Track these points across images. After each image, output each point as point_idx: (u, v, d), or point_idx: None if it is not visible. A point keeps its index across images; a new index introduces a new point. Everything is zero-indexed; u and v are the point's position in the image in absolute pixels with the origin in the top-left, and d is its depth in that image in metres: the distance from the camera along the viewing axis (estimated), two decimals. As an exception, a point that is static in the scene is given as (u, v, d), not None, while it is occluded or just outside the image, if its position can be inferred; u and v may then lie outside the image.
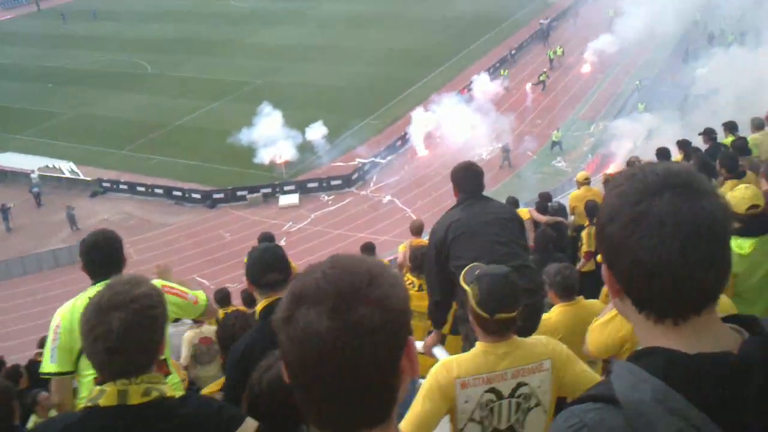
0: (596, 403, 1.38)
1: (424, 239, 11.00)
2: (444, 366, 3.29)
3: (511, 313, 3.19)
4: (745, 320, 1.42)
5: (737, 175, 8.17)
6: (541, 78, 43.54)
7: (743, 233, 4.97)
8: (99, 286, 3.85)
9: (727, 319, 1.43)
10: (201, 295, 4.50)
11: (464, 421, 3.26)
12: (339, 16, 61.29)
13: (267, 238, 10.52)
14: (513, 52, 48.87)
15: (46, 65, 55.27)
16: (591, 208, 11.28)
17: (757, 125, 12.56)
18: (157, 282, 4.12)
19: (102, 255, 4.25)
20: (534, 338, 3.47)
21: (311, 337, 1.21)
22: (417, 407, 3.22)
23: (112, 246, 4.31)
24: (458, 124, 36.76)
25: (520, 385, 3.23)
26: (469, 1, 59.01)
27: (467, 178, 5.17)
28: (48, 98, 48.61)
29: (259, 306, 3.81)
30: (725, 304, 3.72)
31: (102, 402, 2.31)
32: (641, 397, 1.29)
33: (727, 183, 7.96)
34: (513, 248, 4.83)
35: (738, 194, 5.08)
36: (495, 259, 4.57)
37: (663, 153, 12.30)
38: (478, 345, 3.30)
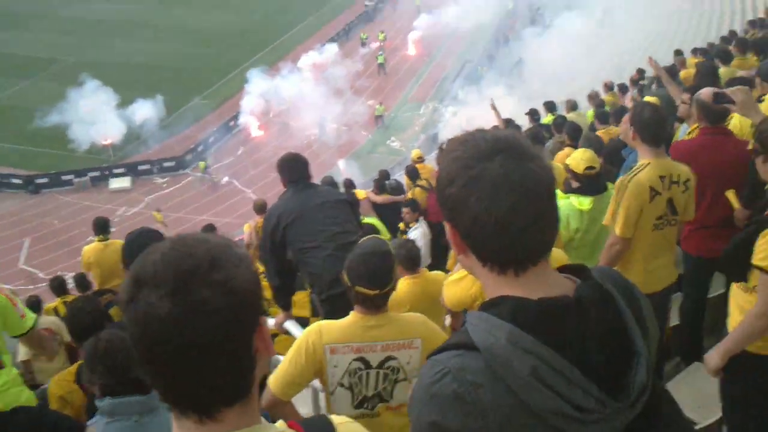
0: (458, 350, 1.46)
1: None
2: (316, 330, 3.35)
3: (370, 290, 3.25)
4: (575, 269, 1.58)
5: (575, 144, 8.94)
6: (379, 60, 43.96)
7: (583, 192, 5.42)
8: None
9: (560, 269, 1.58)
10: (31, 315, 4.10)
11: (334, 386, 3.35)
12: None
13: (101, 222, 10.06)
14: (346, 28, 49.38)
15: None
16: (410, 171, 12.94)
17: (571, 106, 14.03)
18: None
19: None
20: (410, 315, 3.58)
21: (152, 321, 1.21)
22: (285, 365, 3.31)
23: None
24: (292, 103, 36.99)
25: (388, 358, 3.32)
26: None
27: (293, 168, 5.34)
28: None
29: None
30: (560, 256, 4.18)
31: None
32: (496, 341, 1.39)
33: (566, 149, 8.78)
34: (346, 227, 5.11)
35: (577, 156, 5.53)
36: (329, 239, 4.98)
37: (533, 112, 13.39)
38: (351, 314, 3.39)
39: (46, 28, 50.34)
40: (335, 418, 1.52)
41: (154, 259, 1.26)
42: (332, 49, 42.56)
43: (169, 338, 1.20)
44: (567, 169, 5.57)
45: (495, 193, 1.42)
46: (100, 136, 35.23)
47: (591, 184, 5.46)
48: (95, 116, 34.98)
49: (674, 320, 5.64)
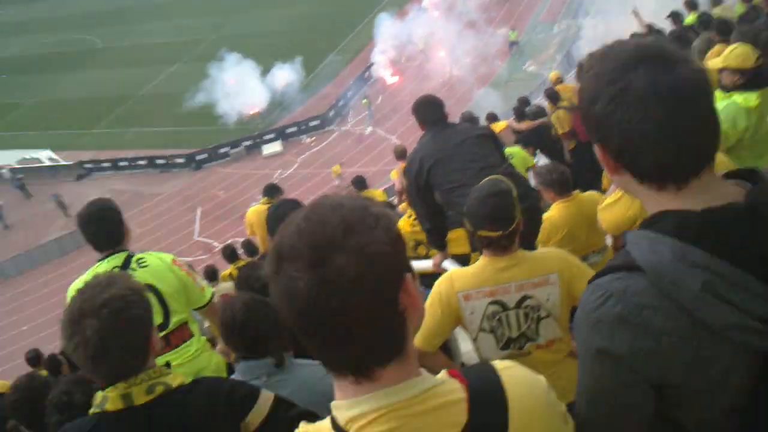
0: (618, 272, 1.41)
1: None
2: (447, 279, 3.34)
3: (493, 232, 3.19)
4: (745, 173, 1.46)
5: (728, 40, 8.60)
6: None
7: (749, 87, 5.04)
8: (107, 263, 3.97)
9: (727, 176, 1.47)
10: (209, 289, 4.32)
11: (475, 332, 3.31)
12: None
13: (270, 186, 10.78)
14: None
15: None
16: (550, 94, 12.08)
17: (716, 1, 12.82)
18: (167, 257, 4.16)
19: (97, 228, 4.04)
20: (544, 251, 3.52)
21: (293, 294, 1.22)
22: (425, 318, 3.34)
23: (105, 217, 4.08)
24: (423, 45, 36.77)
25: (525, 297, 3.25)
26: None
27: (428, 110, 5.24)
28: (5, 90, 47.87)
29: None
30: (723, 162, 3.76)
31: (108, 407, 2.21)
32: (660, 259, 1.33)
33: (718, 46, 8.06)
34: (489, 161, 4.93)
35: (739, 51, 5.12)
36: (474, 176, 4.69)
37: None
38: (481, 258, 3.34)
39: (181, 14, 52.92)
40: (498, 364, 1.43)
41: (291, 232, 1.25)
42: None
43: (311, 310, 1.21)
44: (724, 69, 5.18)
45: (644, 105, 1.33)
46: (246, 107, 36.78)
47: (757, 77, 5.04)
48: (239, 88, 36.57)
49: None
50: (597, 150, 1.47)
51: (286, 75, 37.69)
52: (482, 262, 3.31)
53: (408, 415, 1.27)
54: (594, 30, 30.70)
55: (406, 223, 6.61)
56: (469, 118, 12.47)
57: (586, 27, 32.82)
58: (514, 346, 3.31)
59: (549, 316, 3.27)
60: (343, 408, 1.29)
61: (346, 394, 1.30)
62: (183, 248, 27.76)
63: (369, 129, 34.79)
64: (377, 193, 12.91)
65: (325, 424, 1.33)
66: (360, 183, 11.84)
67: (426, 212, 5.30)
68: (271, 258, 1.27)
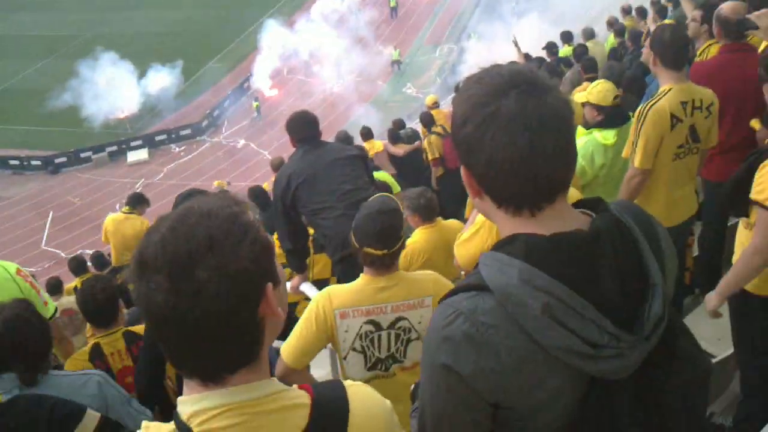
0: (469, 292, 1.44)
1: None
2: (325, 295, 3.32)
3: (379, 250, 3.21)
4: (592, 203, 1.54)
5: (593, 77, 8.62)
6: (391, 4, 43.11)
7: (607, 125, 5.23)
8: None
9: (576, 205, 1.55)
10: (52, 303, 4.16)
11: (346, 350, 3.32)
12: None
13: (135, 196, 10.77)
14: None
15: None
16: (424, 118, 12.34)
17: (588, 35, 13.52)
18: (11, 266, 3.92)
19: None
20: (421, 273, 3.52)
21: (153, 303, 1.23)
22: (297, 334, 3.28)
23: None
24: (305, 58, 36.31)
25: (399, 319, 3.28)
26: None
27: (302, 126, 5.23)
28: None
29: None
30: (575, 194, 3.86)
31: None
32: (508, 280, 1.37)
33: (584, 83, 8.41)
34: (358, 184, 5.02)
35: (601, 88, 5.32)
36: (340, 198, 4.88)
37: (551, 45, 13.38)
38: (361, 276, 3.36)
39: (59, 6, 49.97)
40: (348, 382, 1.51)
41: (155, 241, 1.26)
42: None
43: (168, 320, 1.23)
44: (586, 103, 5.35)
45: (511, 129, 1.38)
46: (116, 109, 34.88)
47: (616, 115, 5.27)
48: (110, 90, 34.60)
49: (695, 250, 5.52)
50: (463, 172, 1.52)
51: (162, 79, 35.96)
52: (362, 281, 3.33)
53: (251, 413, 1.31)
54: (476, 56, 30.94)
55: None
56: (344, 138, 12.56)
57: (467, 52, 33.01)
58: (381, 367, 3.35)
59: (419, 338, 3.30)
60: (187, 403, 1.32)
61: (192, 391, 1.33)
62: (28, 257, 25.67)
63: (242, 141, 33.60)
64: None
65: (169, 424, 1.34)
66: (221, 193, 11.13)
67: (288, 232, 5.28)
68: (133, 265, 1.29)
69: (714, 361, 4.07)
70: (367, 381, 3.30)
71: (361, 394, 1.46)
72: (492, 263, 1.43)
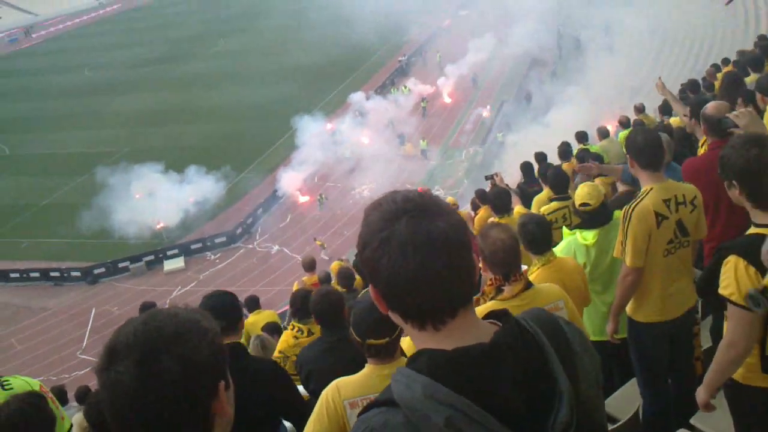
0: (380, 408, 1.50)
1: (315, 275, 11.28)
2: (333, 387, 3.44)
3: (380, 339, 3.35)
4: (499, 314, 1.60)
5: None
6: (423, 105, 45.39)
7: (585, 226, 5.46)
8: None
9: (486, 316, 1.61)
10: (68, 420, 4.34)
11: None
12: (191, 78, 60.34)
13: (147, 306, 10.29)
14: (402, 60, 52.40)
15: None
16: None
17: (603, 134, 13.65)
18: (35, 382, 4.12)
19: None
20: None
21: (118, 387, 1.37)
22: (310, 427, 3.37)
23: None
24: (335, 166, 37.32)
25: None
26: (320, 53, 58.52)
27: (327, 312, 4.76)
28: None
29: None
30: (553, 290, 4.00)
31: None
32: (413, 395, 1.42)
33: (597, 179, 8.77)
34: None
35: (577, 192, 5.57)
36: None
37: (527, 166, 12.80)
38: (366, 367, 3.47)
39: (95, 126, 52.35)
40: None
41: (127, 332, 1.44)
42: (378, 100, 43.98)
43: (132, 403, 1.35)
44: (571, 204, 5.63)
45: (402, 252, 1.46)
46: (153, 221, 35.78)
47: (591, 218, 5.47)
48: (147, 202, 35.84)
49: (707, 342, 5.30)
50: (371, 291, 1.60)
51: (197, 190, 37.08)
52: (367, 370, 3.44)
53: None
54: (503, 154, 31.78)
55: (289, 335, 6.47)
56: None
57: (491, 153, 33.83)
58: None
59: None
60: None
61: None
62: (65, 366, 26.02)
63: (275, 248, 34.20)
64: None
65: None
66: (253, 303, 11.18)
67: None
68: (103, 354, 1.43)
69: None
70: None
71: None
72: (400, 379, 1.49)
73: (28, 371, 24.75)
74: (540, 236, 4.79)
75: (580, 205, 5.47)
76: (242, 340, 4.19)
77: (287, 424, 4.46)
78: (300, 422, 3.93)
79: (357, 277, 9.78)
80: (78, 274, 34.37)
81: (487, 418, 1.38)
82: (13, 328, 30.14)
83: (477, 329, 1.54)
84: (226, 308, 4.05)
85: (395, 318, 1.58)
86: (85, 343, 28.65)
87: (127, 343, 1.41)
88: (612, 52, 35.68)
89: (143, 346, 1.39)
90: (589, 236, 5.37)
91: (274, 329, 8.69)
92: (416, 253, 1.45)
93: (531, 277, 4.65)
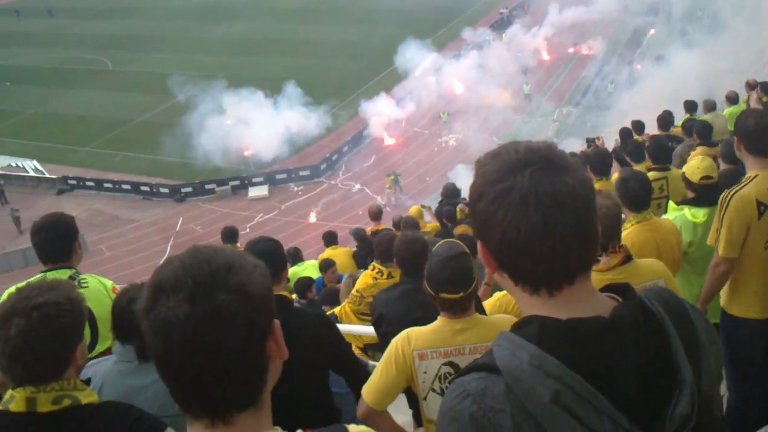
0: (479, 372, 1.42)
1: (383, 225, 11.27)
2: (404, 337, 3.35)
3: (454, 294, 3.21)
4: (620, 288, 1.48)
5: (709, 144, 8.46)
6: (444, 118, 40.28)
7: (697, 203, 5.04)
8: (49, 276, 3.70)
9: (603, 289, 1.50)
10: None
11: (426, 391, 3.33)
12: (295, 10, 60.22)
13: (229, 232, 10.66)
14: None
15: (1, 64, 54.05)
16: (447, 190, 12.82)
17: (709, 107, 12.95)
18: (108, 282, 4.14)
19: (45, 238, 4.00)
20: (498, 317, 3.53)
21: (172, 325, 1.25)
22: (377, 375, 3.34)
23: (56, 229, 4.04)
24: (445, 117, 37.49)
25: None
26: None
27: (408, 256, 4.52)
28: (6, 97, 47.87)
29: None
30: (657, 266, 3.77)
31: (12, 407, 2.21)
32: (519, 364, 1.33)
33: (698, 149, 8.32)
34: None
35: (693, 164, 5.15)
36: None
37: (626, 132, 12.66)
38: (438, 319, 3.36)
39: (199, 50, 53.39)
40: (352, 428, 1.54)
41: (175, 266, 1.31)
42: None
43: (187, 341, 1.25)
44: (683, 177, 5.19)
45: (523, 207, 1.34)
46: (242, 147, 36.52)
47: (707, 194, 5.00)
48: (238, 129, 36.39)
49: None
50: (479, 248, 1.47)
51: (287, 121, 37.06)
52: (439, 323, 3.34)
53: None
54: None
55: (368, 275, 6.38)
56: (452, 190, 12.28)
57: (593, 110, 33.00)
58: None
59: None
60: None
61: None
62: (147, 278, 26.97)
63: (357, 186, 34.59)
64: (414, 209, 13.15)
65: None
66: (331, 238, 11.09)
67: None
68: (147, 292, 1.30)
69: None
70: None
71: None
72: (505, 344, 1.40)
73: (113, 278, 25.86)
74: (641, 193, 4.63)
75: (702, 178, 5.02)
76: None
77: None
78: (350, 375, 3.93)
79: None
80: (166, 190, 35.66)
81: (599, 398, 1.29)
82: (104, 235, 31.51)
83: (594, 300, 1.43)
84: (272, 255, 3.75)
85: (503, 279, 1.47)
86: (167, 257, 29.61)
87: (176, 278, 1.28)
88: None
89: (196, 279, 1.27)
90: (699, 214, 4.97)
91: (305, 286, 7.90)
92: (539, 208, 1.33)
93: (623, 234, 4.50)
